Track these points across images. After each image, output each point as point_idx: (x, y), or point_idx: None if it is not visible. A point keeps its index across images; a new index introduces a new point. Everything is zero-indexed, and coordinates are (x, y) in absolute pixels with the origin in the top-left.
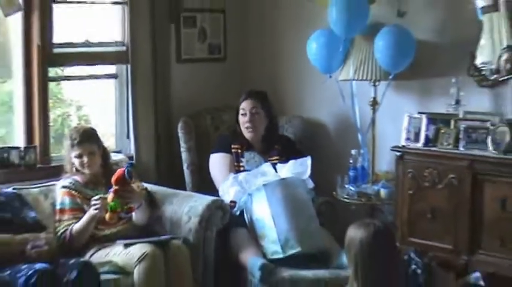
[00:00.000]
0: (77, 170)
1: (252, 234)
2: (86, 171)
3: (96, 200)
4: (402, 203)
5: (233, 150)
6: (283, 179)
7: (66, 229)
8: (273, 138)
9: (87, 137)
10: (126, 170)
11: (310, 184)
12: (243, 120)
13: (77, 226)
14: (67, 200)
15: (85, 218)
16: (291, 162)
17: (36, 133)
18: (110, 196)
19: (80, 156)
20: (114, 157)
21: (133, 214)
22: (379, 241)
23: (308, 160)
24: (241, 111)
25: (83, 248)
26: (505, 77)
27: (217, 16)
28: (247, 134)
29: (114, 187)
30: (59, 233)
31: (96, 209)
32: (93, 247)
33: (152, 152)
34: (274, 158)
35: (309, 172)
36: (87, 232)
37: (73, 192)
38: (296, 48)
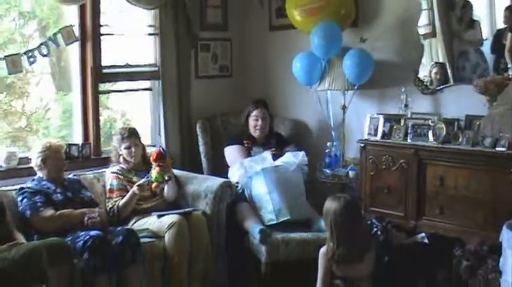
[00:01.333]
0: (124, 159)
1: (252, 206)
2: (132, 160)
3: (139, 185)
4: (365, 181)
5: (245, 144)
6: (276, 165)
7: (114, 205)
8: (271, 134)
9: (133, 133)
10: (162, 149)
11: (306, 168)
12: (255, 124)
13: (122, 202)
14: (115, 182)
15: (127, 197)
16: (287, 154)
17: (91, 133)
18: (154, 171)
19: (128, 147)
20: (150, 149)
21: (165, 189)
22: (348, 210)
23: (301, 153)
24: (253, 117)
25: (126, 219)
26: (440, 87)
27: (225, 44)
28: (255, 133)
29: (157, 163)
30: (109, 208)
31: (138, 189)
32: (134, 218)
33: (178, 145)
34: (272, 149)
35: (304, 160)
36: (130, 206)
37: (120, 176)
38: (285, 66)
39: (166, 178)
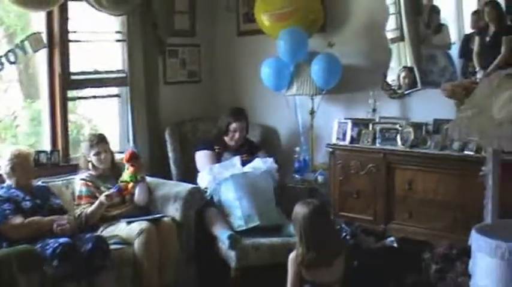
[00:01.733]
0: (93, 165)
1: (221, 212)
2: (101, 166)
3: (107, 195)
4: (334, 186)
5: (216, 150)
6: (245, 172)
7: (82, 212)
8: (243, 142)
9: (103, 139)
10: (134, 150)
11: (276, 174)
12: (233, 135)
13: (90, 210)
14: (84, 189)
15: (95, 205)
16: (256, 160)
17: (59, 140)
18: (128, 172)
19: (98, 153)
20: (118, 155)
21: (136, 193)
22: (317, 215)
23: (270, 160)
24: (232, 129)
25: (95, 226)
26: (409, 91)
27: (193, 49)
28: (231, 143)
29: (130, 163)
30: (77, 215)
31: (106, 199)
32: (103, 225)
33: (147, 151)
34: (243, 156)
35: (273, 166)
36: (97, 214)
37: (89, 183)
38: (253, 71)
39: (139, 178)
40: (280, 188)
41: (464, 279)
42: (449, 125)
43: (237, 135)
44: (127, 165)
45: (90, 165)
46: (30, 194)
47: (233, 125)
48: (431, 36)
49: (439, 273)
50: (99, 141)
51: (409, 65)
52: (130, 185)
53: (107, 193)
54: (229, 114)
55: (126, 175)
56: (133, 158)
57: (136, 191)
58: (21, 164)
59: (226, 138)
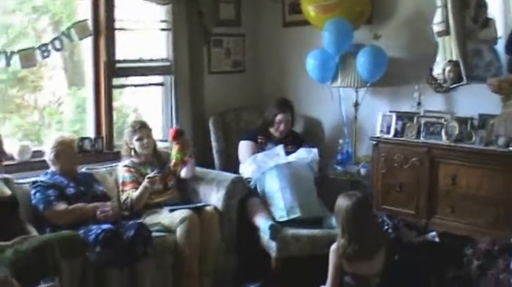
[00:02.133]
0: (135, 152)
1: (263, 202)
2: (143, 152)
3: (149, 177)
4: (377, 179)
5: (259, 140)
6: (289, 162)
7: (128, 197)
8: (287, 133)
9: (145, 125)
10: (177, 127)
11: (316, 166)
12: (278, 127)
13: (135, 195)
14: (127, 175)
15: (139, 190)
16: (300, 150)
17: (103, 127)
18: (174, 150)
19: (140, 139)
20: (161, 144)
21: (184, 172)
22: (359, 208)
23: (314, 150)
24: (277, 121)
25: (138, 213)
26: (454, 85)
27: (238, 39)
28: (275, 134)
29: (176, 141)
30: (123, 200)
31: (149, 183)
32: (146, 212)
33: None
34: (288, 147)
35: (316, 158)
36: (143, 199)
37: (132, 169)
38: (298, 62)
39: (187, 155)
40: (322, 180)
41: (506, 276)
42: (495, 120)
43: (282, 126)
44: (173, 143)
45: (132, 152)
46: (74, 181)
47: (279, 117)
48: (478, 31)
49: (481, 269)
50: (142, 126)
51: (454, 59)
52: (173, 163)
53: (149, 175)
54: (276, 105)
55: (173, 154)
56: (178, 136)
57: (184, 169)
58: (65, 151)
59: (271, 129)
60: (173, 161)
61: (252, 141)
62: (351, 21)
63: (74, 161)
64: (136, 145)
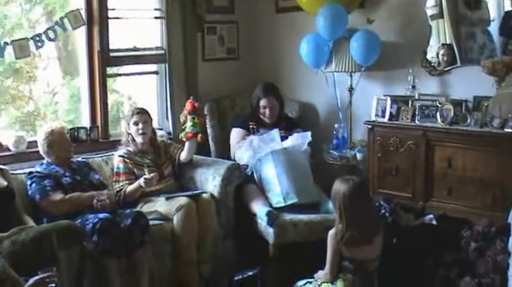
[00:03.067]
0: (133, 139)
1: (260, 189)
2: (140, 139)
3: (146, 178)
4: (373, 163)
5: (250, 126)
6: (285, 148)
7: (121, 189)
8: (280, 118)
9: (144, 110)
10: (192, 100)
11: (307, 150)
12: (264, 111)
13: (129, 189)
14: (121, 165)
15: (134, 186)
16: (294, 135)
17: (98, 116)
18: (191, 121)
19: (136, 123)
20: (159, 132)
21: (186, 151)
22: (357, 192)
23: (308, 134)
24: (261, 106)
25: (135, 201)
26: (448, 68)
27: (232, 26)
28: (264, 119)
29: (196, 114)
30: (116, 191)
31: (145, 183)
32: (143, 200)
33: None
34: (281, 131)
35: (307, 141)
36: (135, 195)
37: (126, 159)
38: (292, 48)
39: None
40: (318, 165)
41: (503, 257)
42: (490, 102)
43: (267, 112)
44: (190, 117)
45: (129, 139)
46: (70, 170)
47: (262, 102)
48: (470, 13)
49: (478, 251)
50: (139, 111)
51: (448, 42)
52: (200, 136)
53: (146, 176)
54: (259, 90)
55: (188, 125)
56: (194, 108)
57: (187, 146)
58: (57, 140)
59: (260, 115)
60: (189, 133)
61: (243, 128)
62: (344, 5)
63: (69, 149)
64: (133, 130)
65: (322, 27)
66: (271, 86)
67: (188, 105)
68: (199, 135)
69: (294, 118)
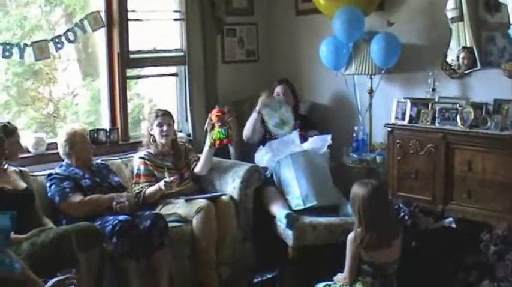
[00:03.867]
0: (154, 140)
1: (279, 191)
2: (162, 141)
3: (166, 181)
4: (393, 166)
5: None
6: (305, 150)
7: (141, 191)
8: (295, 116)
9: (167, 112)
10: (219, 107)
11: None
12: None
13: (148, 191)
14: (142, 167)
15: (154, 188)
16: (314, 137)
17: (118, 118)
18: (218, 127)
19: (161, 125)
20: (180, 134)
21: (202, 162)
22: (375, 195)
23: (328, 137)
24: (276, 93)
25: (154, 203)
26: (468, 71)
27: (251, 28)
28: None
29: (225, 120)
30: (136, 193)
31: (165, 187)
32: (162, 202)
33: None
34: (298, 130)
35: (327, 144)
36: (154, 197)
37: (147, 161)
38: (312, 50)
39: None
40: (338, 168)
41: None
42: (510, 106)
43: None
44: (218, 124)
45: (151, 140)
46: (89, 172)
47: (277, 89)
48: (490, 17)
49: (498, 254)
50: (164, 113)
51: (468, 45)
52: (227, 140)
53: (167, 179)
54: (275, 81)
55: (216, 131)
56: (222, 114)
57: (203, 160)
58: (78, 142)
59: None
60: (224, 139)
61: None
62: (361, 8)
63: (89, 151)
64: (156, 131)
65: (338, 30)
66: (286, 79)
67: (217, 113)
68: (230, 137)
69: (310, 118)
